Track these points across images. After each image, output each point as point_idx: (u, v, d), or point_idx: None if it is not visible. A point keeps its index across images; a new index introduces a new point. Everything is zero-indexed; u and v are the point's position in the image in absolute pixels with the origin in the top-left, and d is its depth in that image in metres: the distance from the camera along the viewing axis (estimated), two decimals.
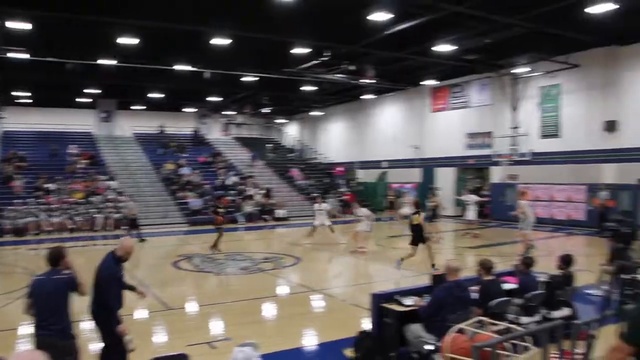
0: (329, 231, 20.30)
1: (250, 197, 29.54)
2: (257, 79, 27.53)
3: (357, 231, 17.75)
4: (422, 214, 14.36)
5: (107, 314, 6.03)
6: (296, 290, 12.43)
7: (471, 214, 21.31)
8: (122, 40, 19.22)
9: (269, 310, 10.66)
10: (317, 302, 11.37)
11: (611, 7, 15.90)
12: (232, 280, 13.58)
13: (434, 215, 19.49)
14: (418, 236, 13.79)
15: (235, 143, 41.32)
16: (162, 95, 33.31)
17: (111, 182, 28.37)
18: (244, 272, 14.30)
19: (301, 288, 12.48)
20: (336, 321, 9.47)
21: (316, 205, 20.68)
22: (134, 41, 19.19)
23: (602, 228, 20.51)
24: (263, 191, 30.55)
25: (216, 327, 9.40)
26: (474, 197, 21.65)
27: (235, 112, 41.91)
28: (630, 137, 21.83)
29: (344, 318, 9.59)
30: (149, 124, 39.20)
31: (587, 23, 18.65)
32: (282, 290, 12.73)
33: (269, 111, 41.75)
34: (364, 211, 17.90)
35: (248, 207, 28.46)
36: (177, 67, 24.14)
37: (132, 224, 21.38)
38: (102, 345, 6.17)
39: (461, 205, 27.14)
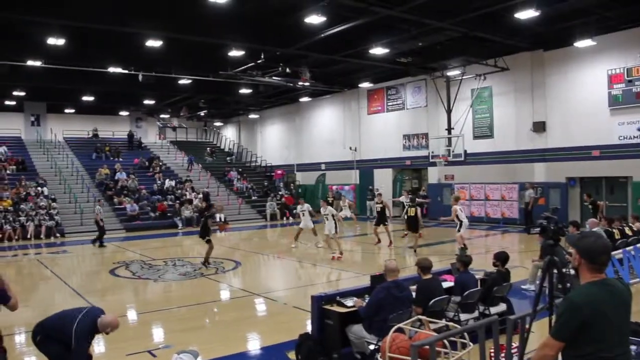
0: (312, 233, 19.44)
1: (189, 201, 29.12)
2: (192, 81, 27.18)
3: (326, 234, 16.90)
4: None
5: (63, 351, 5.74)
6: (237, 294, 12.33)
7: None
8: (49, 41, 18.42)
9: (210, 315, 10.55)
10: (259, 306, 11.32)
11: (533, 13, 16.59)
12: (172, 287, 13.35)
13: (382, 217, 18.86)
14: (414, 225, 16.89)
15: (171, 147, 40.64)
16: (95, 98, 32.39)
17: (41, 189, 27.34)
18: (184, 277, 14.10)
19: (242, 292, 12.40)
20: (278, 324, 9.45)
21: (299, 207, 19.67)
22: (60, 42, 18.48)
23: (528, 225, 21.34)
24: (201, 195, 30.16)
25: (156, 334, 9.23)
26: (418, 199, 21.71)
27: (171, 116, 41.22)
28: (557, 137, 22.76)
29: (286, 321, 9.59)
30: (82, 128, 38.05)
31: (514, 28, 19.45)
32: (224, 295, 12.64)
33: (206, 114, 41.28)
34: (330, 209, 16.98)
35: (186, 212, 28.03)
36: (110, 69, 23.54)
37: (100, 229, 20.98)
38: None
39: (399, 205, 27.69)
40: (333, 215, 16.71)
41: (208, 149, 41.77)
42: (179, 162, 37.45)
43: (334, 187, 33.00)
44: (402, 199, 22.35)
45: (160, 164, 35.13)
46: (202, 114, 40.59)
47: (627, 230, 13.15)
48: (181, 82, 27.02)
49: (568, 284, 4.70)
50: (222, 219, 28.60)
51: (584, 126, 21.65)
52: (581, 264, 3.38)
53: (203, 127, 45.83)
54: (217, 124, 46.03)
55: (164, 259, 16.94)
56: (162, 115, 41.29)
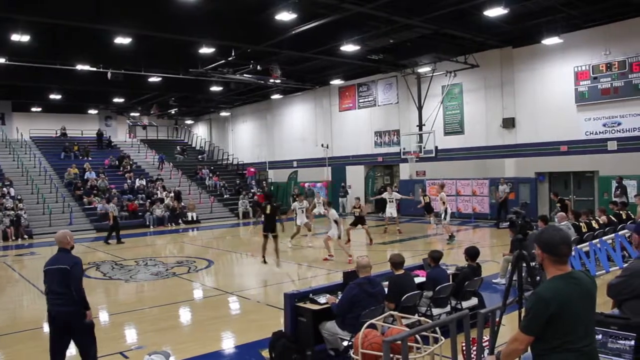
0: (307, 229, 19.30)
1: (160, 200, 28.85)
2: (163, 79, 26.91)
3: (328, 236, 15.64)
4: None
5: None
6: (211, 293, 12.25)
7: (393, 211, 21.47)
8: (12, 37, 17.92)
9: (183, 315, 10.46)
10: (232, 305, 11.28)
11: (502, 11, 16.81)
12: (145, 287, 13.20)
13: (359, 220, 18.43)
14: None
15: (142, 145, 40.20)
16: (63, 97, 31.85)
17: (7, 189, 26.73)
18: (156, 277, 13.97)
19: (216, 291, 12.33)
20: (252, 323, 9.42)
21: (297, 204, 19.16)
22: (25, 38, 17.96)
23: (499, 220, 21.64)
24: (172, 194, 29.90)
25: (129, 335, 9.13)
26: (397, 195, 21.78)
27: (142, 114, 40.74)
28: (526, 133, 23.09)
29: (260, 319, 9.56)
30: (49, 127, 37.42)
31: (483, 25, 19.68)
32: (197, 294, 12.54)
33: (177, 112, 40.91)
34: (333, 213, 15.77)
35: (158, 211, 27.78)
36: (78, 66, 23.14)
37: (114, 226, 21.34)
38: None
39: (371, 202, 27.86)
40: (336, 220, 15.44)
41: (178, 147, 41.38)
42: (149, 160, 37.07)
43: (306, 185, 33.05)
44: (386, 195, 22.09)
45: (131, 162, 34.72)
46: (172, 112, 40.25)
47: (594, 224, 13.43)
48: (151, 79, 26.72)
49: (538, 277, 4.78)
50: (194, 218, 28.59)
51: (552, 122, 22.00)
52: (544, 258, 3.45)
53: (174, 126, 45.42)
54: (188, 122, 45.68)
55: (135, 259, 16.76)
56: (132, 114, 40.79)
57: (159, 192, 30.21)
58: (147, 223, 26.99)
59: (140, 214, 27.82)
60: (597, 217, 14.44)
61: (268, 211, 14.82)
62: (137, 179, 31.70)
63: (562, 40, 20.29)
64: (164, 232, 25.58)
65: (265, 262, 15.05)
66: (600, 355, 3.74)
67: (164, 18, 17.70)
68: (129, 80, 25.17)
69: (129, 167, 33.63)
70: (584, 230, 12.86)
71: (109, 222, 21.90)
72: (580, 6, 18.33)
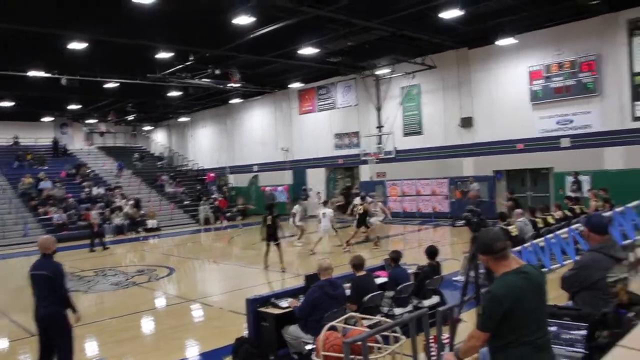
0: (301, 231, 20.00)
1: (119, 208, 28.36)
2: (119, 85, 26.42)
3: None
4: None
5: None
6: (173, 301, 12.11)
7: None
8: None
9: (145, 325, 10.31)
10: (195, 312, 11.17)
11: (457, 13, 17.10)
12: (105, 298, 12.95)
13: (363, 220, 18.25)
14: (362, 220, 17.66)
15: (99, 153, 39.46)
16: (15, 104, 30.95)
17: None
18: (116, 287, 13.72)
19: (178, 299, 12.19)
20: (215, 330, 9.35)
21: (296, 207, 20.46)
22: None
23: (454, 218, 21.93)
24: (132, 202, 29.42)
25: (89, 348, 8.91)
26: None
27: (98, 121, 39.93)
28: (483, 132, 23.49)
29: (223, 326, 9.49)
30: (0, 136, 36.38)
31: (440, 27, 19.93)
32: (159, 303, 12.37)
33: (135, 118, 40.27)
34: (327, 210, 17.77)
35: (117, 219, 27.31)
36: (31, 72, 22.56)
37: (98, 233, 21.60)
38: None
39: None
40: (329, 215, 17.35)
41: (136, 154, 40.73)
42: (107, 168, 36.38)
43: (267, 188, 32.95)
44: (358, 200, 21.84)
45: (88, 171, 34.04)
46: (130, 118, 39.55)
47: (550, 219, 13.76)
48: (107, 85, 26.20)
49: (494, 274, 4.85)
50: (154, 226, 28.20)
51: (508, 121, 22.43)
52: (487, 260, 3.54)
53: (132, 132, 44.63)
54: (147, 128, 45.01)
55: (94, 270, 16.43)
56: (88, 121, 39.92)
57: (117, 200, 29.69)
58: (106, 232, 26.45)
59: (100, 222, 27.22)
60: (552, 213, 14.79)
61: (269, 222, 14.83)
62: (95, 188, 31.08)
63: (516, 41, 20.74)
64: (123, 240, 25.14)
65: (266, 268, 14.77)
66: (554, 346, 3.84)
67: (119, 22, 17.38)
68: (85, 86, 24.61)
69: (86, 175, 32.95)
70: (540, 225, 13.18)
71: (92, 229, 22.02)
72: (533, 8, 18.71)
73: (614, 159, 19.81)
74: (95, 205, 25.00)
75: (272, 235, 14.83)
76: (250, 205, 30.57)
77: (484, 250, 3.52)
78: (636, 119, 19.36)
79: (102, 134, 41.22)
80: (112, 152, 39.67)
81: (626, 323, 4.24)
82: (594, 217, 5.09)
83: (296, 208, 20.57)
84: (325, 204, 19.54)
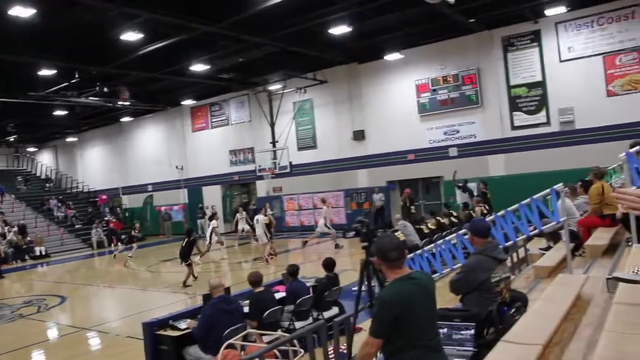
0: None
1: (2, 235, 26.57)
2: None
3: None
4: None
5: None
6: (66, 331, 11.46)
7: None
8: None
9: (36, 358, 9.72)
10: (91, 341, 10.67)
11: (346, 29, 17.68)
12: None
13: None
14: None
15: None
16: None
17: None
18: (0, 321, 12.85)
19: (71, 329, 11.58)
20: (112, 358, 9.01)
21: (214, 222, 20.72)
22: None
23: (345, 230, 22.40)
24: (16, 228, 27.65)
25: None
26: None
27: None
28: (375, 144, 24.14)
29: (120, 352, 9.15)
30: None
31: (329, 43, 20.36)
32: (50, 334, 11.69)
33: (17, 139, 37.92)
34: (260, 218, 18.69)
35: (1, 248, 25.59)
36: None
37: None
38: None
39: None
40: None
41: (19, 177, 38.35)
42: None
43: (163, 208, 32.15)
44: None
45: None
46: (11, 139, 37.24)
47: (430, 225, 14.71)
48: None
49: (386, 282, 5.00)
50: (42, 252, 26.68)
51: (399, 132, 23.19)
52: (381, 264, 3.66)
53: (14, 154, 42.14)
54: (31, 149, 42.56)
55: None
56: None
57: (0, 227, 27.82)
58: None
59: None
60: (438, 217, 15.65)
61: (183, 244, 15.56)
62: None
63: (402, 56, 21.66)
64: (7, 270, 23.53)
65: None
66: (445, 347, 4.00)
67: None
68: None
69: None
70: (425, 231, 14.08)
71: None
72: (418, 24, 19.53)
73: (497, 166, 21.03)
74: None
75: (184, 256, 15.39)
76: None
77: (381, 255, 3.63)
78: (515, 127, 20.66)
79: None
80: None
81: (508, 319, 4.51)
82: (476, 221, 5.38)
83: (214, 223, 20.65)
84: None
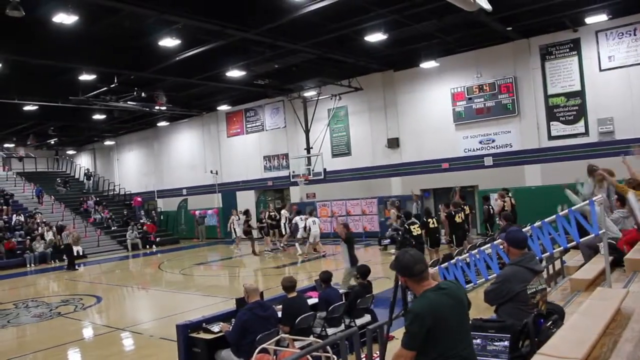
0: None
1: (41, 236, 27.17)
2: (39, 107, 25.38)
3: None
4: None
5: None
6: (100, 331, 11.69)
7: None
8: None
9: (72, 357, 9.93)
10: (125, 341, 10.83)
11: (382, 37, 17.68)
12: (27, 330, 12.37)
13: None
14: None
15: (19, 178, 37.77)
16: None
17: None
18: (39, 319, 13.10)
19: (106, 328, 11.80)
20: (145, 358, 9.12)
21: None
22: None
23: (381, 238, 22.30)
24: (55, 229, 28.24)
25: None
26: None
27: (17, 145, 38.24)
28: (410, 152, 24.07)
29: (153, 354, 9.28)
30: None
31: (365, 50, 20.41)
32: (86, 333, 11.90)
33: (57, 142, 38.80)
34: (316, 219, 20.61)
35: (39, 248, 26.16)
36: None
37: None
38: None
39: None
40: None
41: (58, 179, 39.17)
42: (27, 194, 34.88)
43: (197, 212, 32.49)
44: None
45: (7, 197, 32.53)
46: (52, 142, 38.11)
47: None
48: (26, 108, 25.17)
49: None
50: (80, 253, 27.17)
51: (434, 141, 23.08)
52: (407, 281, 3.64)
53: (54, 156, 43.12)
54: (70, 152, 43.49)
55: (14, 302, 15.65)
56: (5, 145, 38.23)
57: (40, 227, 28.45)
58: (27, 262, 25.32)
59: (19, 252, 26.04)
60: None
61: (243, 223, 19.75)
62: (14, 215, 29.73)
63: (438, 64, 21.54)
64: (46, 270, 24.08)
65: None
66: (480, 358, 3.96)
67: (39, 43, 16.80)
68: (1, 109, 23.62)
69: (4, 201, 31.48)
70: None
71: None
72: (453, 32, 19.44)
73: (533, 176, 20.72)
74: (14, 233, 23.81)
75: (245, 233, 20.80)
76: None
77: (405, 273, 3.61)
78: (552, 137, 20.35)
79: (20, 158, 39.48)
80: (32, 178, 38.04)
81: (545, 332, 4.44)
82: (512, 232, 5.29)
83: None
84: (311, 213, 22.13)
